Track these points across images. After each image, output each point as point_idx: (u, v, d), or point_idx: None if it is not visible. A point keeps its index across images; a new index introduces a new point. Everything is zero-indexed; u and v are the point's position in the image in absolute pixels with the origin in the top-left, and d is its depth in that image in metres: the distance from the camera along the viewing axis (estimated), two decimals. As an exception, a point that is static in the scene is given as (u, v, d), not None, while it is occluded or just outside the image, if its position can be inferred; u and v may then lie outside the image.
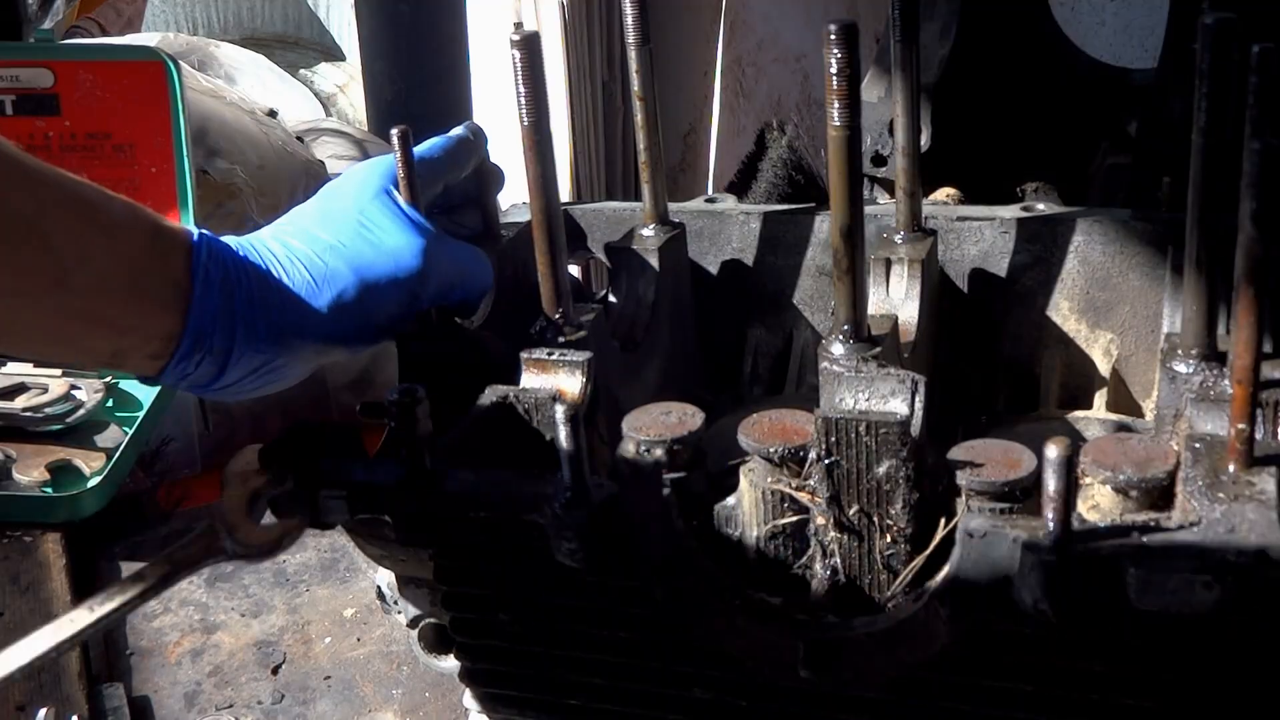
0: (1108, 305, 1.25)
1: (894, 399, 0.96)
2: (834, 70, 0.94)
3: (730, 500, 0.98)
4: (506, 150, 1.20)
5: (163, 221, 1.02)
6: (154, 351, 1.01)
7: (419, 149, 1.14)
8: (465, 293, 1.13)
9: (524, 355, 1.09)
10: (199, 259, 1.01)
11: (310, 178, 2.30)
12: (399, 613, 1.32)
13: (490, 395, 1.06)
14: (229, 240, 1.06)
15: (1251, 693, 0.86)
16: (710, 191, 2.55)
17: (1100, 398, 1.27)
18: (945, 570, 0.88)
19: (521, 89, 1.05)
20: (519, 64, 1.04)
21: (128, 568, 1.72)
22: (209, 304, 1.01)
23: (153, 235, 1.00)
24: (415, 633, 1.32)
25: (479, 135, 1.21)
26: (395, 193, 1.10)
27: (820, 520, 0.95)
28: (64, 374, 1.84)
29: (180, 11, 4.64)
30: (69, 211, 0.95)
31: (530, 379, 1.08)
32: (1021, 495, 0.89)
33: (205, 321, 1.00)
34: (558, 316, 1.12)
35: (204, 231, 1.04)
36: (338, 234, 1.07)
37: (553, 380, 1.08)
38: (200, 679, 1.56)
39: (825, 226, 1.33)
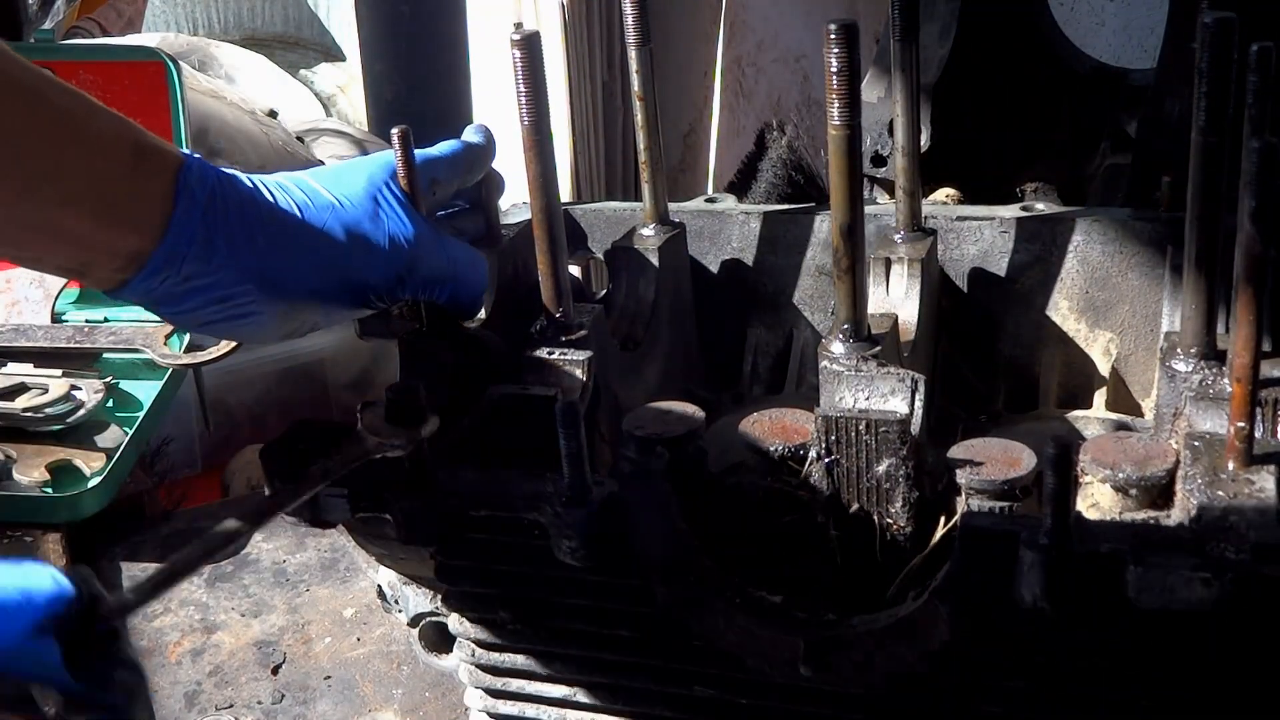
0: (1107, 304, 1.25)
1: (894, 398, 0.97)
2: (834, 69, 0.94)
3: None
4: (507, 150, 1.21)
5: (151, 141, 1.01)
6: (120, 266, 1.00)
7: (438, 150, 1.14)
8: (456, 292, 1.12)
9: (525, 355, 1.09)
10: (186, 179, 1.00)
11: (311, 178, 2.31)
12: (399, 612, 1.32)
13: (491, 394, 1.06)
14: (230, 171, 1.05)
15: (1250, 689, 0.87)
16: (710, 191, 2.55)
17: (1099, 397, 1.27)
18: (945, 568, 0.88)
19: (521, 89, 1.05)
20: (519, 64, 1.04)
21: (128, 568, 1.72)
22: (189, 226, 0.99)
23: (136, 153, 0.99)
24: (416, 632, 1.32)
25: (491, 141, 1.21)
26: (397, 185, 1.10)
27: (820, 518, 0.95)
28: (64, 374, 1.84)
29: (180, 12, 4.64)
30: (46, 123, 0.94)
31: (531, 378, 1.08)
32: (1021, 494, 0.89)
33: (181, 243, 0.99)
34: (558, 316, 1.12)
35: (199, 156, 1.03)
36: (341, 197, 1.07)
37: (553, 379, 1.08)
38: (200, 679, 1.56)
39: (825, 226, 1.33)
